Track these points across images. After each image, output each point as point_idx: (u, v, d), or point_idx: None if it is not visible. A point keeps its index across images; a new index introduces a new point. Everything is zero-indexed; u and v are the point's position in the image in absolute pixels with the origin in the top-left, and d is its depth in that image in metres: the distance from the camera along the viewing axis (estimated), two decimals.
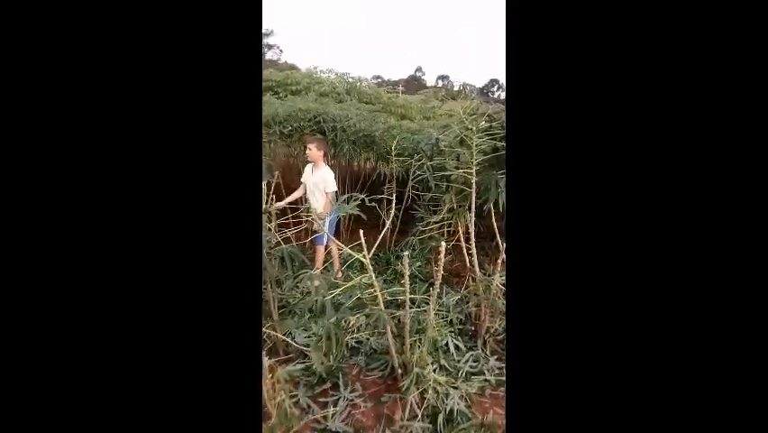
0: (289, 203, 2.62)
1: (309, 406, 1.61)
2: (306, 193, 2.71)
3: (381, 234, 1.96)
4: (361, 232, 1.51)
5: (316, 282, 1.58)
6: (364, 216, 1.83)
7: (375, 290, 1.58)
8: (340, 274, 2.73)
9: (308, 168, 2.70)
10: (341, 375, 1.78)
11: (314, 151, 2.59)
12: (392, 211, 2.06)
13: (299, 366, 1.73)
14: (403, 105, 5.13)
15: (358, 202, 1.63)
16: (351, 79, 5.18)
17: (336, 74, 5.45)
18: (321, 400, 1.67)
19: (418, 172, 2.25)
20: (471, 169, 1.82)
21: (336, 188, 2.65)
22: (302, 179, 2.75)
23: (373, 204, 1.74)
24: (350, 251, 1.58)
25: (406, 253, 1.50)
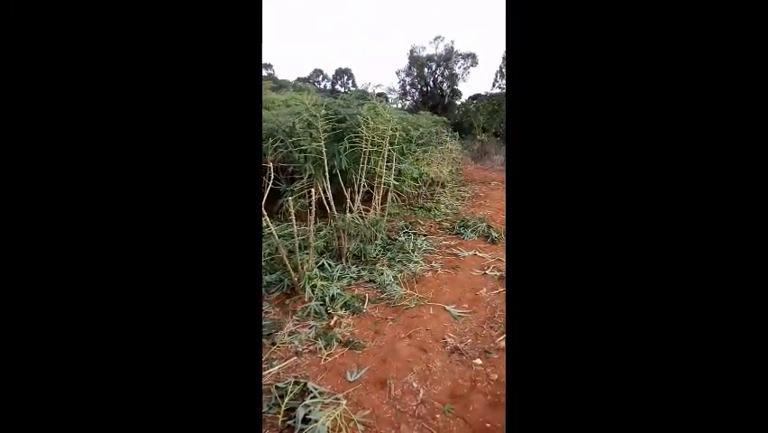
0: None
1: None
2: None
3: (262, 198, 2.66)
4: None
5: None
6: None
7: (270, 228, 2.32)
8: None
9: None
10: None
11: None
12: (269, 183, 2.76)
13: None
14: None
15: None
16: None
17: None
18: None
19: (281, 150, 3.01)
20: (321, 142, 2.72)
21: None
22: None
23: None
24: None
25: (290, 198, 2.30)
